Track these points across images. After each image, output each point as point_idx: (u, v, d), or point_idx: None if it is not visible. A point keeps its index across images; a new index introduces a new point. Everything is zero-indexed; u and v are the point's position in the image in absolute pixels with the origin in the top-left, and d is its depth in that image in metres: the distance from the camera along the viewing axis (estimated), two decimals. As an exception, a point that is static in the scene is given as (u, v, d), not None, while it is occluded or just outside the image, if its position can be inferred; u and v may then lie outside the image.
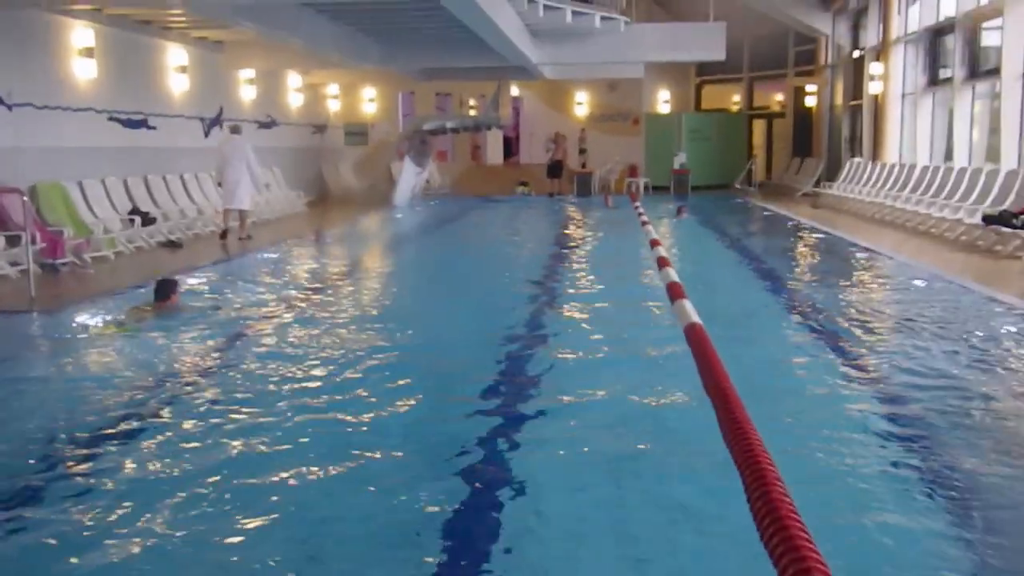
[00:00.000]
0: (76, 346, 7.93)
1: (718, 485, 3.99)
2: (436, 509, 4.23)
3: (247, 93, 21.49)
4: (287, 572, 3.76)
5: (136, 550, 3.86)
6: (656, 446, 5.15)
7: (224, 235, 15.53)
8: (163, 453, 5.02)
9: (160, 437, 5.30)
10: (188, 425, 5.52)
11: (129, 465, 4.88)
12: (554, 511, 4.30)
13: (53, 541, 3.95)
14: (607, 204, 22.63)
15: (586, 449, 5.11)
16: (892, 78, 20.73)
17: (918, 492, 4.41)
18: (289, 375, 6.61)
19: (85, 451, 5.07)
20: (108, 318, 8.75)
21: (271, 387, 6.30)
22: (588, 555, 3.92)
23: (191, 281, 10.76)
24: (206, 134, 19.36)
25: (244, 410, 5.74)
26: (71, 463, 4.88)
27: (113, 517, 4.18)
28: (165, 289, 9.03)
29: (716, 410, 3.73)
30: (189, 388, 6.37)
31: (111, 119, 15.54)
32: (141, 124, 16.51)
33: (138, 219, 14.61)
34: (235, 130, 16.43)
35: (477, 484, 4.56)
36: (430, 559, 3.80)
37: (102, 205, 14.45)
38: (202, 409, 5.82)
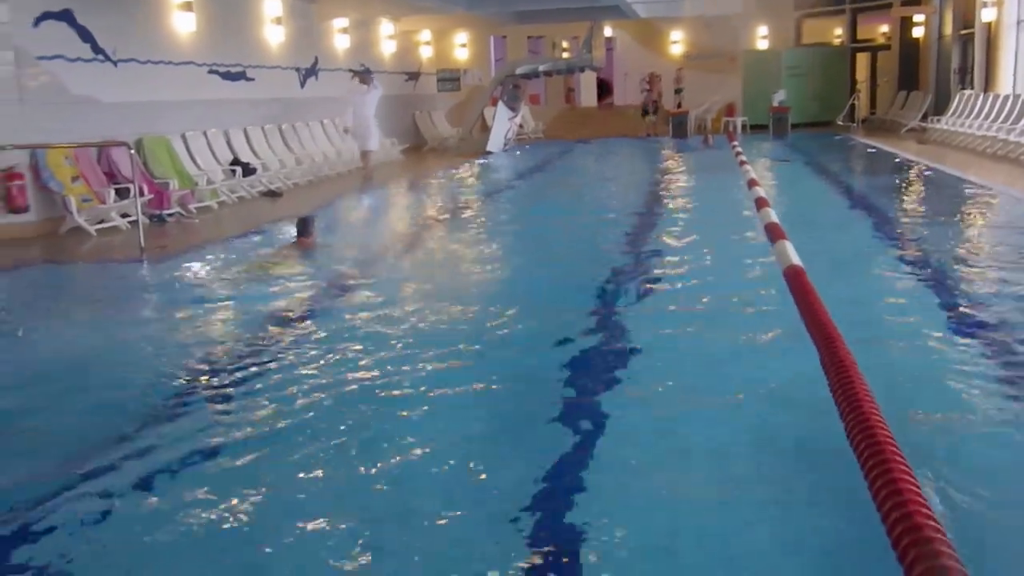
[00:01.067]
0: (189, 292, 8.19)
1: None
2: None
3: (341, 42, 21.64)
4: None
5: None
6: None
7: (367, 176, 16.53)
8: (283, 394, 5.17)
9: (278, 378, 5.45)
10: (308, 369, 5.66)
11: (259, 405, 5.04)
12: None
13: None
14: (707, 143, 22.26)
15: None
16: (1007, 3, 19.70)
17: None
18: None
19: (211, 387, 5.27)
20: (253, 258, 9.26)
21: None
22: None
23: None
24: (302, 84, 19.60)
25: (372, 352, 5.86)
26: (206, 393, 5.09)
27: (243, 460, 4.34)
28: (306, 227, 9.56)
29: (820, 353, 3.67)
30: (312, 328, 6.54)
31: (211, 72, 15.85)
32: (240, 76, 16.81)
33: (239, 170, 14.95)
34: (364, 81, 16.57)
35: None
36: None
37: (204, 157, 14.82)
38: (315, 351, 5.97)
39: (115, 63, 13.20)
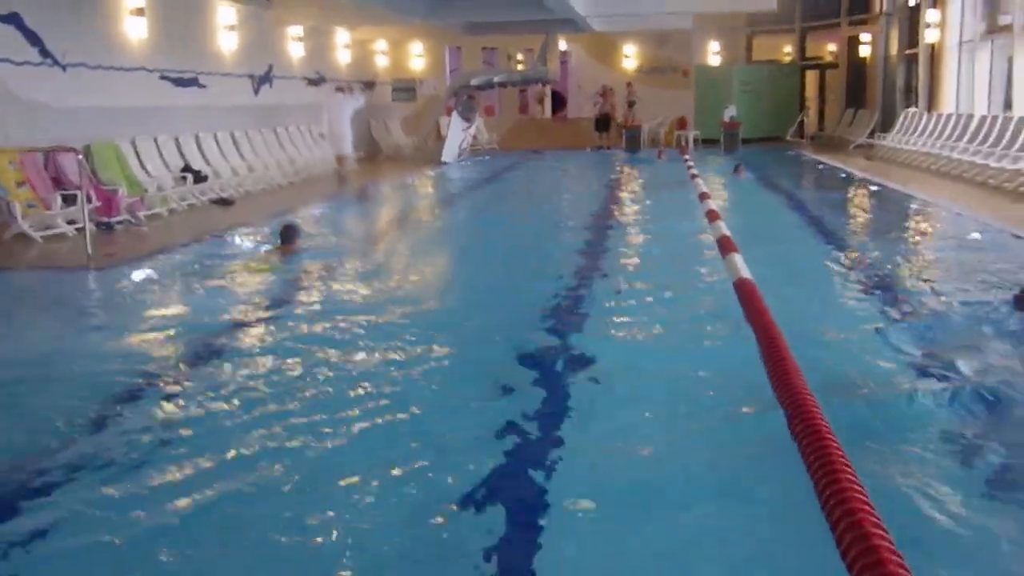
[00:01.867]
0: (134, 301, 8.09)
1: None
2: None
3: (296, 50, 21.56)
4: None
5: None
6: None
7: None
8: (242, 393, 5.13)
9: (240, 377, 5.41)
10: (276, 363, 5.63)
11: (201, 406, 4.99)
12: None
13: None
14: (660, 157, 22.38)
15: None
16: (949, 26, 20.19)
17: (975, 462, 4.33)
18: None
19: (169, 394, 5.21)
20: (248, 259, 9.77)
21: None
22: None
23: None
24: (256, 92, 19.48)
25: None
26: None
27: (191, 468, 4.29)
28: (290, 234, 9.96)
29: (766, 363, 3.74)
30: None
31: (162, 78, 15.69)
32: (192, 83, 16.65)
33: (190, 177, 14.79)
34: (339, 89, 18.52)
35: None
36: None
37: (155, 163, 14.65)
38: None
39: (64, 68, 13.01)
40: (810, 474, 2.46)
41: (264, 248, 10.28)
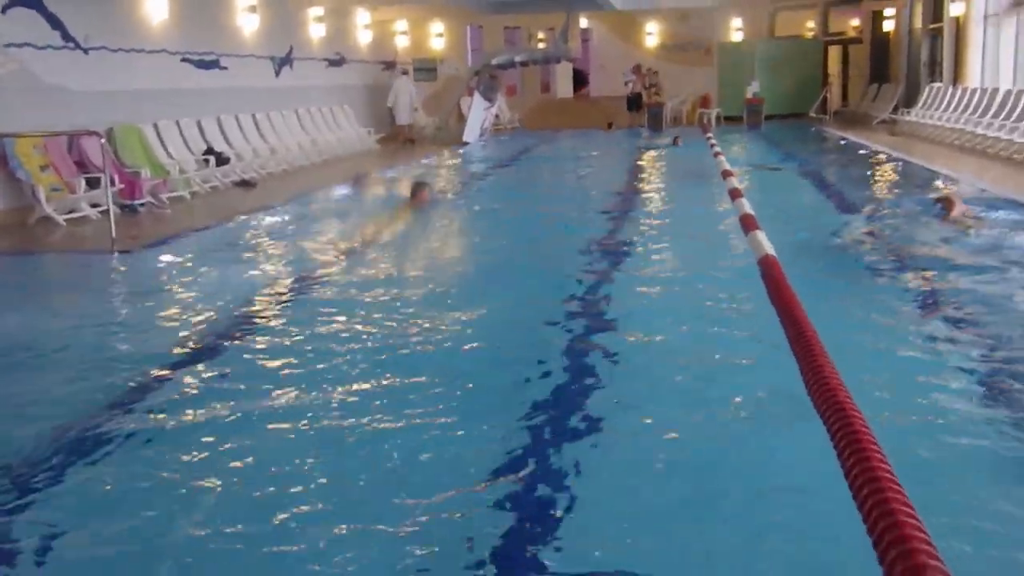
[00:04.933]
0: (159, 283, 8.15)
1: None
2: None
3: (316, 31, 21.53)
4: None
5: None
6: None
7: (409, 140, 23.58)
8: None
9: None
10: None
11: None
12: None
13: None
14: (675, 144, 20.40)
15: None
16: (975, -1, 19.92)
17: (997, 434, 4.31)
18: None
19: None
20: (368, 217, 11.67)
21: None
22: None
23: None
24: (277, 73, 19.50)
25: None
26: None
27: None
28: (419, 188, 11.85)
29: (791, 342, 3.72)
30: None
31: (183, 60, 15.73)
32: (213, 65, 16.69)
33: (212, 159, 14.85)
34: (404, 72, 24.87)
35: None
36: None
37: (177, 146, 14.71)
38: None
39: (86, 51, 13.07)
40: (838, 455, 2.45)
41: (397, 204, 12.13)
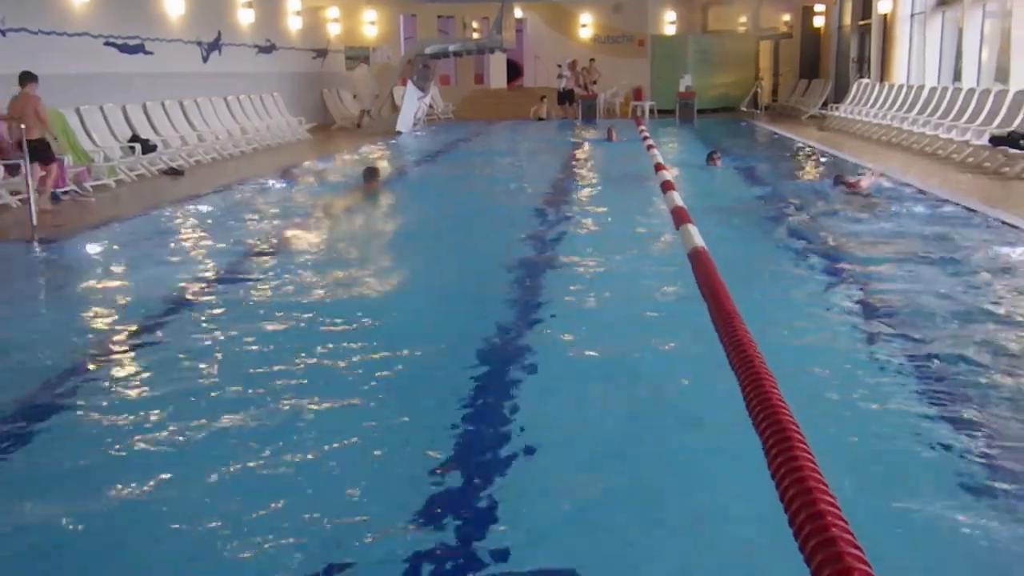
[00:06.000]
0: (81, 272, 7.92)
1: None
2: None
3: (245, 17, 21.14)
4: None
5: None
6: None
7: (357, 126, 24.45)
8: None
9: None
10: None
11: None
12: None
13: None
14: (609, 138, 19.94)
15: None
16: (902, -4, 20.35)
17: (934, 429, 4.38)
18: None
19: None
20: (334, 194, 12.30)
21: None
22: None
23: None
24: (205, 59, 19.11)
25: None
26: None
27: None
28: (372, 175, 12.49)
29: (720, 335, 3.72)
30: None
31: (107, 44, 15.32)
32: (138, 49, 16.29)
33: (138, 146, 14.48)
34: (365, 60, 25.96)
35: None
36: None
37: (101, 132, 14.32)
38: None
39: (3, 33, 12.65)
40: (764, 447, 2.45)
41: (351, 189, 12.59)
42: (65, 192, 12.01)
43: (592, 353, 5.50)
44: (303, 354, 5.39)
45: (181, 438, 4.26)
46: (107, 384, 5.01)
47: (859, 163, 14.27)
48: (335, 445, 4.16)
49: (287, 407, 4.58)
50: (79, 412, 4.62)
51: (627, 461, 4.07)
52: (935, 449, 4.08)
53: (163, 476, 3.91)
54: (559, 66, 27.51)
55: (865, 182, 11.41)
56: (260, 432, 4.30)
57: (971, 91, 15.80)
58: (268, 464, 3.98)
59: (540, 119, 26.77)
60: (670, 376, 5.06)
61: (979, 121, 14.48)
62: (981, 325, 5.74)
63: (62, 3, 14.08)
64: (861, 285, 6.88)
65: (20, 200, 11.12)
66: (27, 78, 10.90)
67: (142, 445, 4.19)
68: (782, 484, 2.09)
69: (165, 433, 4.30)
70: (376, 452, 4.15)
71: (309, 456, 4.06)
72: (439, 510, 3.57)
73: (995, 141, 12.98)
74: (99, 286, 7.44)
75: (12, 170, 11.36)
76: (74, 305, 6.85)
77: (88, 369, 5.27)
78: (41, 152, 10.65)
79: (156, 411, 4.57)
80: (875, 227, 9.20)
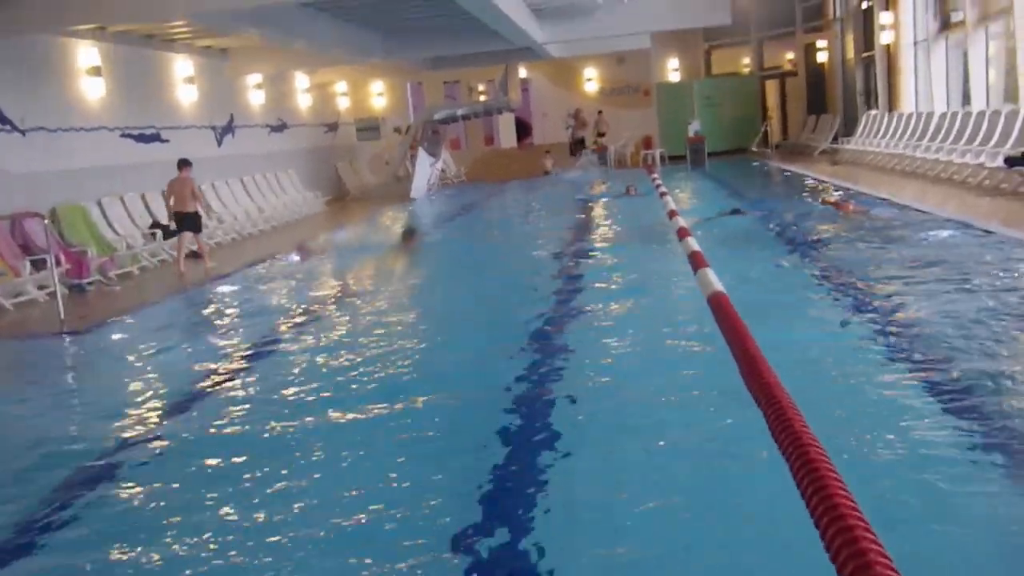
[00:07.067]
0: (110, 361, 7.99)
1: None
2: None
3: (256, 98, 21.54)
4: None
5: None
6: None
7: None
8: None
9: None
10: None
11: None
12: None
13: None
14: (628, 193, 18.40)
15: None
16: (903, 25, 20.45)
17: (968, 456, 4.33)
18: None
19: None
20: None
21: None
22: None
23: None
24: (219, 143, 19.43)
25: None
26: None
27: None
28: (410, 235, 14.47)
29: (746, 380, 3.71)
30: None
31: (124, 135, 15.63)
32: (154, 138, 16.60)
33: (159, 232, 14.69)
34: (397, 130, 26.87)
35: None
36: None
37: (122, 222, 14.56)
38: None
39: (23, 132, 12.94)
40: (795, 480, 2.44)
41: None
42: (90, 283, 12.17)
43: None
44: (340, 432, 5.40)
45: (213, 525, 4.27)
46: (130, 477, 5.02)
47: (873, 195, 14.24)
48: (366, 518, 4.15)
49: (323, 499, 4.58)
50: (110, 504, 4.63)
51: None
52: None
53: (186, 559, 3.91)
54: (568, 115, 27.89)
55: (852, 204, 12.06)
56: (290, 518, 4.30)
57: (981, 113, 15.79)
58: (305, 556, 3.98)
59: (546, 173, 26.92)
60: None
61: (992, 143, 14.46)
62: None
63: (78, 100, 14.40)
64: (886, 315, 6.84)
65: (48, 294, 11.28)
66: (183, 164, 13.25)
67: (168, 539, 4.19)
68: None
69: (194, 517, 4.31)
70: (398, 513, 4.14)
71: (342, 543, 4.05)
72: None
73: (1010, 162, 12.94)
74: (126, 374, 7.49)
75: (38, 265, 11.55)
76: (101, 394, 6.89)
77: (114, 461, 5.29)
78: (195, 223, 13.10)
79: (187, 498, 4.58)
80: (895, 255, 9.14)
